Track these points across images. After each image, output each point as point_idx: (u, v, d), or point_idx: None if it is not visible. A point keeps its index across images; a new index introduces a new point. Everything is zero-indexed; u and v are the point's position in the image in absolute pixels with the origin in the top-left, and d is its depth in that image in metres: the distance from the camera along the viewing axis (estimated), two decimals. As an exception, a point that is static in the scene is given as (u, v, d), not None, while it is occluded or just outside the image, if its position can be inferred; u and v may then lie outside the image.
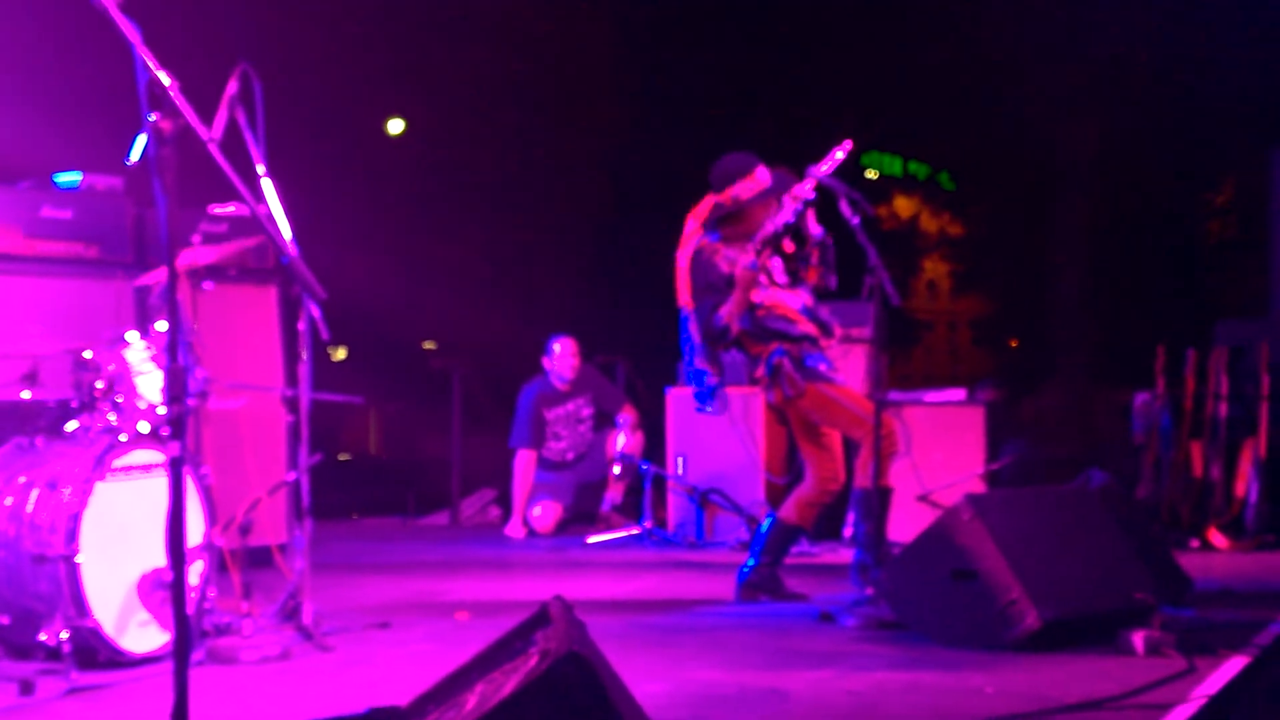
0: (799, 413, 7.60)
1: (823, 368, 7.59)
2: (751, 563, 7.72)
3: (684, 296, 7.66)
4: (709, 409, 7.85)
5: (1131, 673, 5.55)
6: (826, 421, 7.58)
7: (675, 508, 10.87)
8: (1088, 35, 20.76)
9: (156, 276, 6.60)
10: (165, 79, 3.97)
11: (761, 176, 7.59)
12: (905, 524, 8.81)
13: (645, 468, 10.91)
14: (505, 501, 12.05)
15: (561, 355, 11.35)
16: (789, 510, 7.70)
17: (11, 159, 8.68)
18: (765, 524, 7.81)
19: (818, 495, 7.66)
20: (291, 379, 7.83)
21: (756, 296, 7.51)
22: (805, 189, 7.39)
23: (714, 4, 20.20)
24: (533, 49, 18.40)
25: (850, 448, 7.65)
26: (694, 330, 7.64)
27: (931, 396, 10.53)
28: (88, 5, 3.98)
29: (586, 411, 11.50)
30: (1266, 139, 14.99)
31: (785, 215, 7.44)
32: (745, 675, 5.72)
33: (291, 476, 6.77)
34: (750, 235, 7.56)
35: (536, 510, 11.21)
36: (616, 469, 11.31)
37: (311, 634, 6.29)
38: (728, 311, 7.47)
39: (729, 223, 7.63)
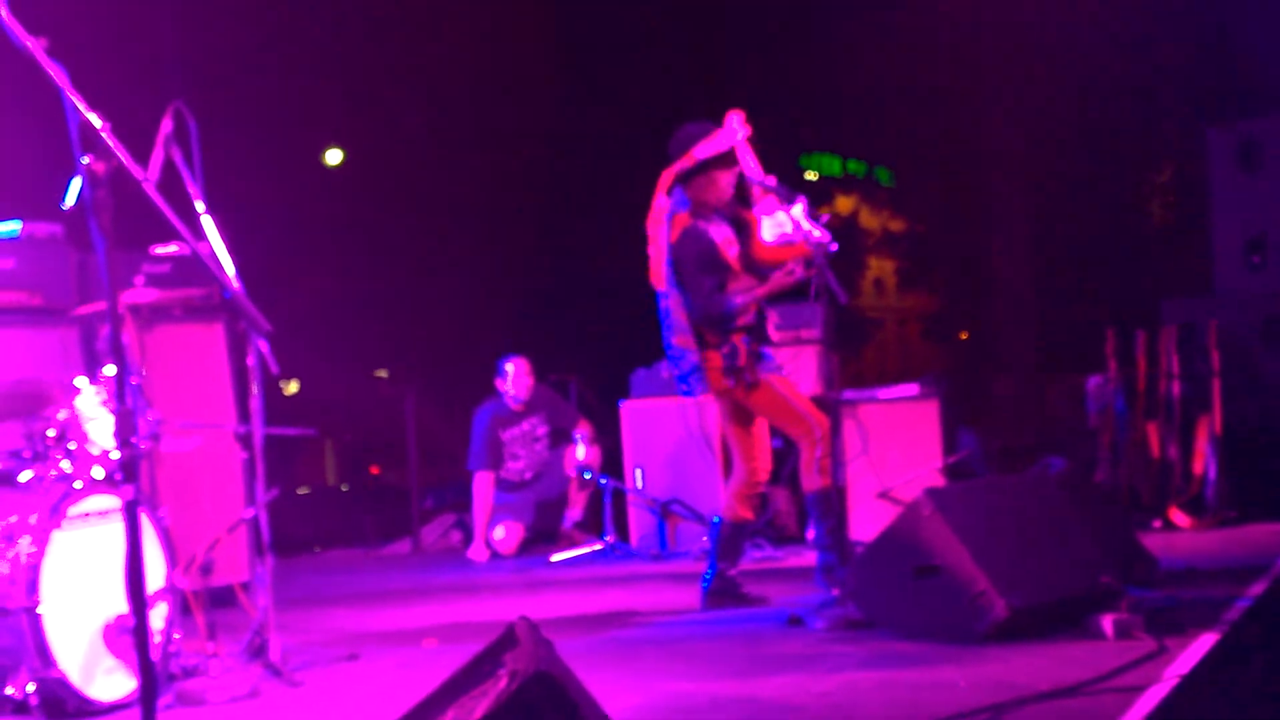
0: (741, 403, 7.59)
1: (771, 363, 7.61)
2: (711, 570, 7.71)
3: (661, 277, 7.58)
4: (690, 389, 7.79)
5: (1102, 657, 5.55)
6: (769, 415, 7.59)
7: (637, 520, 10.85)
8: (1018, 21, 20.88)
9: (95, 306, 6.53)
10: (97, 121, 3.93)
11: (721, 139, 7.57)
12: (867, 522, 8.81)
13: (604, 482, 10.89)
14: (466, 525, 12.01)
15: (515, 376, 11.31)
16: (728, 508, 7.73)
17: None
18: (712, 530, 7.81)
19: (748, 486, 7.71)
20: (244, 415, 7.79)
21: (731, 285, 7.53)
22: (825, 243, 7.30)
23: (648, 14, 20.25)
24: (471, 71, 18.42)
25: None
26: (677, 310, 7.56)
27: (885, 393, 10.51)
28: (14, 50, 3.94)
29: (542, 430, 11.46)
30: (1202, 118, 15.09)
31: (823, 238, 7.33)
32: (716, 684, 5.70)
33: (250, 513, 6.73)
34: (718, 204, 7.58)
35: (498, 532, 11.16)
36: (586, 475, 11.17)
37: (280, 670, 6.23)
38: (744, 302, 7.46)
39: (693, 186, 7.60)
